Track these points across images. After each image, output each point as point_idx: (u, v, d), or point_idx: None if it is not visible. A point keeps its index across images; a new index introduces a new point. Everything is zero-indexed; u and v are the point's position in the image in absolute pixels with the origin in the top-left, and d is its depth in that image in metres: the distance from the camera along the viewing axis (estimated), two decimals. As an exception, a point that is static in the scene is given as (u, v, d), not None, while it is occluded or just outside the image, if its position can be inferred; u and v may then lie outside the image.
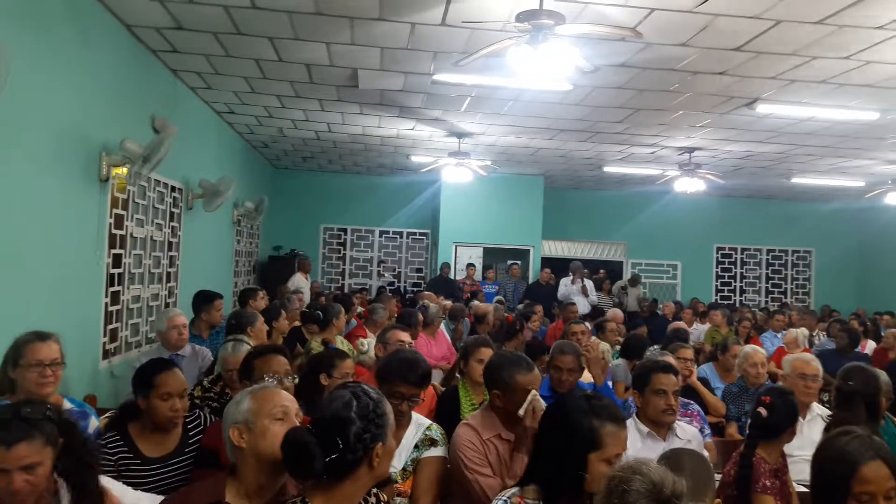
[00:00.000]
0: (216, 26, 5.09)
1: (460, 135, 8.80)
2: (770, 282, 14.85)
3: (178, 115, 6.32)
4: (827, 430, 3.18)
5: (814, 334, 8.89)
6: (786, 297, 14.57)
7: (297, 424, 2.05)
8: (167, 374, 2.79)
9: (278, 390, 2.21)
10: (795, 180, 11.17)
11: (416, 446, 2.79)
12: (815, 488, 2.18)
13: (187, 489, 2.20)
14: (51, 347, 2.91)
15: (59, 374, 2.93)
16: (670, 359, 4.10)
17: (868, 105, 6.50)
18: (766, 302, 14.42)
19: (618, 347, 6.09)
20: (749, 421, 3.04)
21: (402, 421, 2.78)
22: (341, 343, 5.66)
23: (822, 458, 2.15)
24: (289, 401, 2.16)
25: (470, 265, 12.14)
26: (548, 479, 2.06)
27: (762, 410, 2.92)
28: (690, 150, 9.08)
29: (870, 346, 7.89)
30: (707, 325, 9.38)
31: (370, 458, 1.82)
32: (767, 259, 14.81)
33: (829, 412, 4.17)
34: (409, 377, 2.80)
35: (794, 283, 14.85)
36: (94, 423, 3.01)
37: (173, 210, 6.63)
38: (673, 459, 2.46)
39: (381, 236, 13.77)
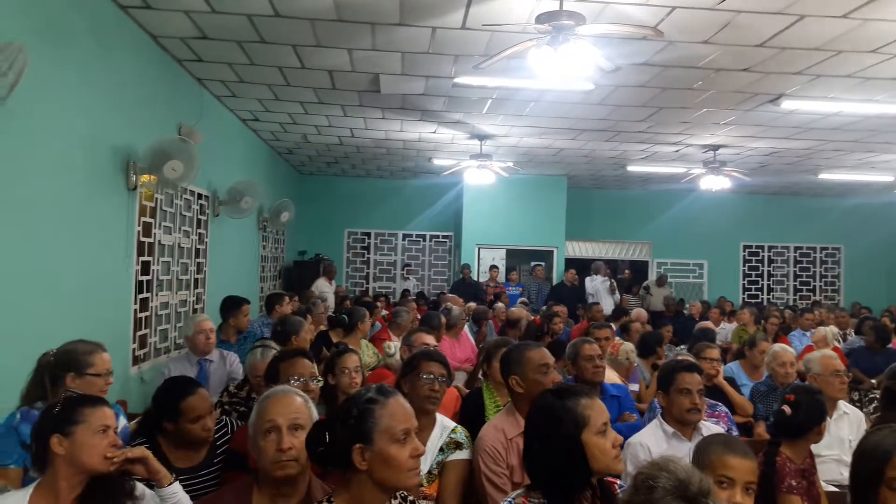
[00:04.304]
0: (240, 35, 5.16)
1: (482, 137, 8.81)
2: (798, 279, 14.64)
3: (204, 123, 6.40)
4: None
5: (847, 332, 8.77)
6: (815, 295, 14.36)
7: None
8: (193, 398, 2.75)
9: None
10: (823, 176, 11.02)
11: (442, 449, 2.80)
12: (851, 481, 2.19)
13: (214, 495, 2.25)
14: (108, 356, 3.07)
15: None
16: (691, 358, 4.09)
17: (896, 99, 6.41)
18: (795, 300, 14.22)
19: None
20: (773, 420, 3.01)
21: (437, 402, 2.91)
22: (366, 346, 5.70)
23: (859, 451, 2.18)
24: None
25: (493, 267, 12.14)
26: (549, 480, 2.02)
27: (786, 409, 2.90)
28: (715, 147, 9.00)
29: (902, 343, 7.76)
30: (735, 325, 9.29)
31: (351, 458, 1.81)
32: (795, 256, 14.61)
33: (859, 410, 4.13)
34: (433, 356, 3.04)
35: (823, 280, 14.62)
36: (122, 422, 3.10)
37: (200, 217, 6.72)
38: (724, 437, 2.50)
39: (404, 239, 13.83)
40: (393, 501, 1.95)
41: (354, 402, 1.89)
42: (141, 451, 2.31)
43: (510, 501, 2.05)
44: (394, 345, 5.21)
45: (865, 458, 2.11)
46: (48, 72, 3.71)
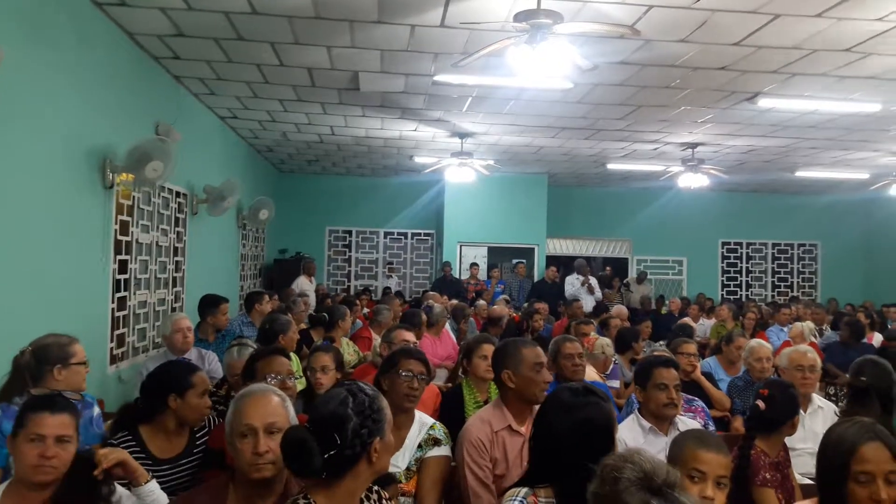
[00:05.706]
0: (217, 32, 5.13)
1: (463, 135, 8.82)
2: (776, 276, 14.79)
3: (182, 121, 6.36)
4: None
5: (823, 328, 8.88)
6: (793, 291, 14.53)
7: None
8: (201, 374, 2.90)
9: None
10: (800, 174, 11.14)
11: (420, 446, 2.81)
12: (818, 474, 2.22)
13: (190, 493, 2.24)
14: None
15: None
16: (668, 354, 4.13)
17: (870, 97, 6.49)
18: (773, 296, 14.37)
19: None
20: (748, 413, 3.05)
21: (416, 400, 2.91)
22: (347, 344, 5.69)
23: (824, 444, 2.20)
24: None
25: (473, 264, 12.16)
26: (567, 475, 2.01)
27: (760, 403, 2.94)
28: (693, 145, 9.08)
29: (877, 338, 7.87)
30: (713, 321, 9.38)
31: (369, 453, 1.85)
32: (773, 253, 14.75)
33: (834, 405, 4.18)
34: (412, 353, 3.02)
35: (801, 276, 14.79)
36: (96, 410, 3.12)
37: (178, 215, 6.67)
38: (698, 431, 2.56)
39: (385, 237, 13.81)
40: (371, 496, 1.97)
41: (362, 398, 1.88)
42: (118, 455, 2.27)
43: (520, 500, 2.03)
44: (381, 342, 5.22)
45: (830, 452, 2.14)
46: (22, 69, 3.66)
